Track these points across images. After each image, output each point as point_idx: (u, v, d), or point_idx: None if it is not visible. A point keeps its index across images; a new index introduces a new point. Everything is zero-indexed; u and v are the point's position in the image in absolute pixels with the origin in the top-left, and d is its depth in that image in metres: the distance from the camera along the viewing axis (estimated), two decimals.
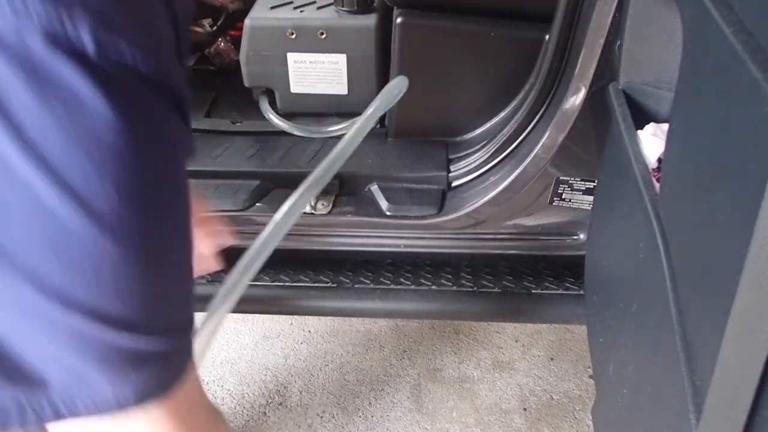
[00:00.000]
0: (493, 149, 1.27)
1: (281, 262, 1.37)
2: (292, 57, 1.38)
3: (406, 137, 1.39)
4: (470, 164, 1.31)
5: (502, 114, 1.32)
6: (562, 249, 1.32)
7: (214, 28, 1.69)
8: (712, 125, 0.58)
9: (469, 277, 1.32)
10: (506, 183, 1.22)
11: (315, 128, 1.40)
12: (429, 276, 1.33)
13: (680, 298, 0.64)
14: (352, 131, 0.86)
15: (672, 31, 0.88)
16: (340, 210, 1.30)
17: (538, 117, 1.20)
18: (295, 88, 1.42)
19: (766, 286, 0.43)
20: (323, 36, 1.37)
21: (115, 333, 0.49)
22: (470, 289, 1.30)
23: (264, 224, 1.36)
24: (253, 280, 1.34)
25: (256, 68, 1.40)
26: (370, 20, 1.36)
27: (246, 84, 1.42)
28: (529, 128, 1.21)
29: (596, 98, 1.08)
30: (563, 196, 1.23)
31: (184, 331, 0.57)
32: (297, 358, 1.64)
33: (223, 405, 1.52)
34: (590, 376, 1.57)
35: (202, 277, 1.35)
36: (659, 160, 0.84)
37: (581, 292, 1.26)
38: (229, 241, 0.92)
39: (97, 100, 0.43)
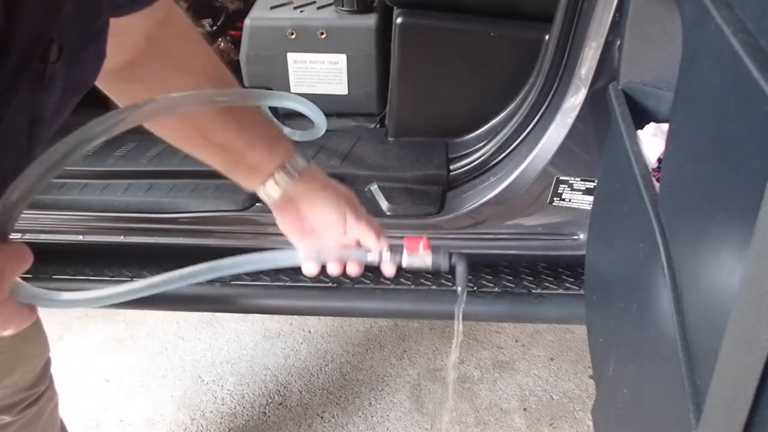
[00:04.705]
0: (493, 149, 1.27)
1: None
2: (292, 57, 1.38)
3: (406, 137, 1.39)
4: (470, 164, 1.31)
5: (502, 114, 1.32)
6: (562, 249, 1.32)
7: (214, 28, 1.69)
8: (712, 125, 0.58)
9: (470, 277, 1.32)
10: (506, 183, 1.22)
11: (308, 131, 1.40)
12: (429, 276, 1.33)
13: (680, 299, 0.64)
14: None
15: (672, 31, 0.88)
16: None
17: (538, 117, 1.20)
18: (295, 89, 1.42)
19: (766, 286, 0.43)
20: (323, 36, 1.37)
21: None
22: (470, 289, 1.30)
23: (264, 224, 1.36)
24: (254, 281, 1.35)
25: (256, 68, 1.40)
26: (370, 20, 1.36)
27: (246, 84, 1.42)
28: (529, 128, 1.21)
29: (596, 98, 1.08)
30: (563, 196, 1.23)
31: None
32: (297, 358, 1.64)
33: (223, 405, 1.52)
34: (590, 376, 1.57)
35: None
36: (659, 160, 0.84)
37: (581, 292, 1.26)
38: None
39: None
